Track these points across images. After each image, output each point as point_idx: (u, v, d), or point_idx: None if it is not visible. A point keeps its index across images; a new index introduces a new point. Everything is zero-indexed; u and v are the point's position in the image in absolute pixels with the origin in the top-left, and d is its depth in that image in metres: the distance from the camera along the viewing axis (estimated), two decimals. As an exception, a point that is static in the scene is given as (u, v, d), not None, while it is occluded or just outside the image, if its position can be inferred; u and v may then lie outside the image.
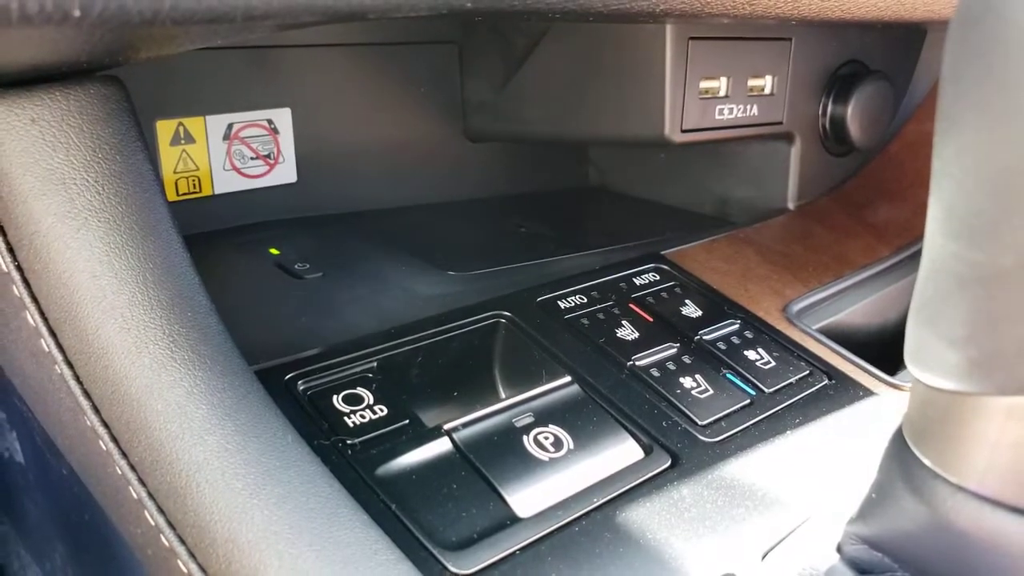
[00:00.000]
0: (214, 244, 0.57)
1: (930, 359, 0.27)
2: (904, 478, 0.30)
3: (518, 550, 0.33)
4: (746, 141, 0.70)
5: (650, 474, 0.38)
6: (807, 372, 0.48)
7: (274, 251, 0.57)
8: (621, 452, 0.40)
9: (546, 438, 0.39)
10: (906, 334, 0.29)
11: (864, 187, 0.78)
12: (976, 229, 0.25)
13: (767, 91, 0.65)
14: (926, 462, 0.29)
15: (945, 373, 0.27)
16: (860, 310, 0.61)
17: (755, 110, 0.65)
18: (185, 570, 0.31)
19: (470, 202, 0.74)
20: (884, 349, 0.56)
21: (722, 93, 0.62)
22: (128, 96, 0.36)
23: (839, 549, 0.34)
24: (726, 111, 0.63)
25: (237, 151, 0.61)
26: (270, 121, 0.62)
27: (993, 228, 0.24)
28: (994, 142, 0.24)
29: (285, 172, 0.63)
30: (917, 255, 0.67)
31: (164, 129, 0.57)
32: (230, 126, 0.60)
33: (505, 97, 0.69)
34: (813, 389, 0.47)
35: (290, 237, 0.59)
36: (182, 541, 0.31)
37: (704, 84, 0.60)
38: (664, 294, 0.54)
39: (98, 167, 0.34)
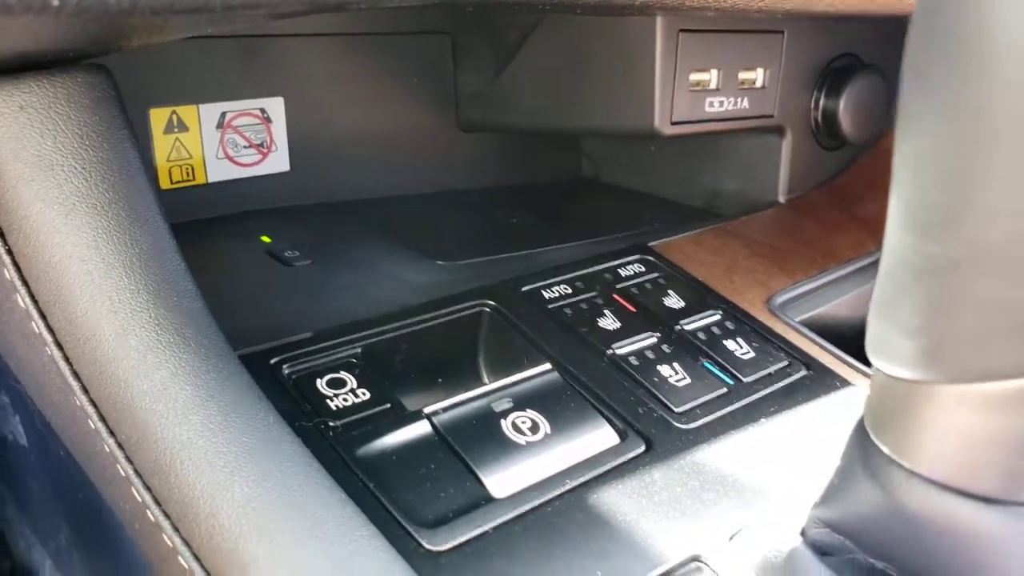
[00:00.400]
0: (207, 232, 0.58)
1: (887, 349, 0.28)
2: (863, 464, 0.31)
3: (491, 529, 0.34)
4: (737, 134, 0.71)
5: (624, 459, 0.39)
6: (786, 363, 0.49)
7: (266, 239, 0.58)
8: (596, 437, 0.41)
9: (524, 422, 0.40)
10: (867, 324, 0.30)
11: (856, 181, 0.79)
12: (931, 222, 0.25)
13: (758, 84, 0.66)
14: (883, 449, 0.30)
15: (901, 362, 0.28)
16: (844, 303, 0.62)
17: (746, 103, 0.65)
18: (170, 544, 0.32)
19: (463, 192, 0.75)
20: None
21: (712, 86, 0.63)
22: (115, 84, 0.37)
23: (803, 532, 0.34)
24: (716, 104, 0.63)
25: (230, 139, 0.62)
26: (263, 110, 0.63)
27: (946, 221, 0.25)
28: (950, 137, 0.24)
29: (278, 161, 0.64)
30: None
31: (157, 117, 0.58)
32: (223, 115, 0.61)
33: (497, 88, 0.69)
34: (791, 379, 0.48)
35: (282, 225, 0.60)
36: (167, 516, 0.32)
37: (694, 76, 0.61)
38: (648, 285, 0.54)
39: (85, 154, 0.35)
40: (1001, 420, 0.26)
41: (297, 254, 0.55)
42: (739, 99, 0.64)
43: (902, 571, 0.31)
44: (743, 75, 0.64)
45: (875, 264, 0.74)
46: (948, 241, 0.25)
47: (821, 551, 0.34)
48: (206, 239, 0.56)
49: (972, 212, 0.24)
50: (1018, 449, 0.27)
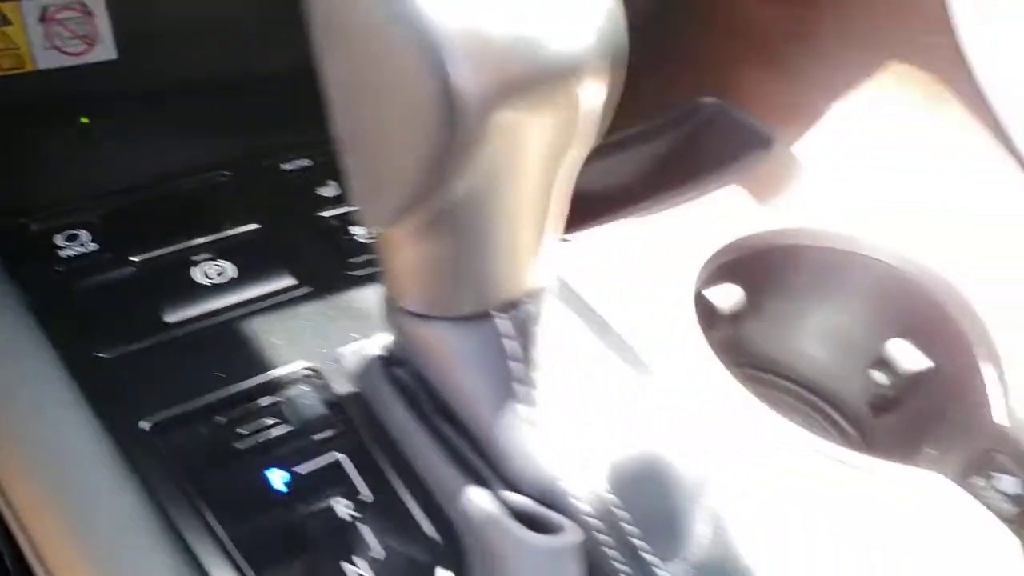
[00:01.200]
0: (34, 114, 0.68)
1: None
2: (385, 302, 0.42)
3: (155, 344, 0.46)
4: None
5: (290, 296, 0.51)
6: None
7: (84, 120, 0.68)
8: (276, 282, 0.52)
9: (214, 269, 0.51)
10: None
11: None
12: (330, 108, 0.34)
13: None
14: (383, 290, 0.41)
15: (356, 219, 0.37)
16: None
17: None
18: None
19: (297, 78, 0.82)
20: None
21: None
22: None
23: (387, 348, 0.46)
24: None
25: (56, 32, 0.70)
26: (83, 4, 0.71)
27: (331, 111, 0.34)
28: (324, 52, 0.33)
29: (104, 50, 0.73)
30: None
31: (-20, 14, 0.67)
32: (45, 8, 0.69)
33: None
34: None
35: (104, 110, 0.69)
36: None
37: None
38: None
39: None
40: (408, 254, 0.37)
41: (101, 135, 0.65)
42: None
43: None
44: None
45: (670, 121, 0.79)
46: (337, 125, 0.34)
47: (396, 362, 0.45)
48: (29, 121, 0.66)
49: (334, 107, 0.33)
50: (423, 275, 0.37)
